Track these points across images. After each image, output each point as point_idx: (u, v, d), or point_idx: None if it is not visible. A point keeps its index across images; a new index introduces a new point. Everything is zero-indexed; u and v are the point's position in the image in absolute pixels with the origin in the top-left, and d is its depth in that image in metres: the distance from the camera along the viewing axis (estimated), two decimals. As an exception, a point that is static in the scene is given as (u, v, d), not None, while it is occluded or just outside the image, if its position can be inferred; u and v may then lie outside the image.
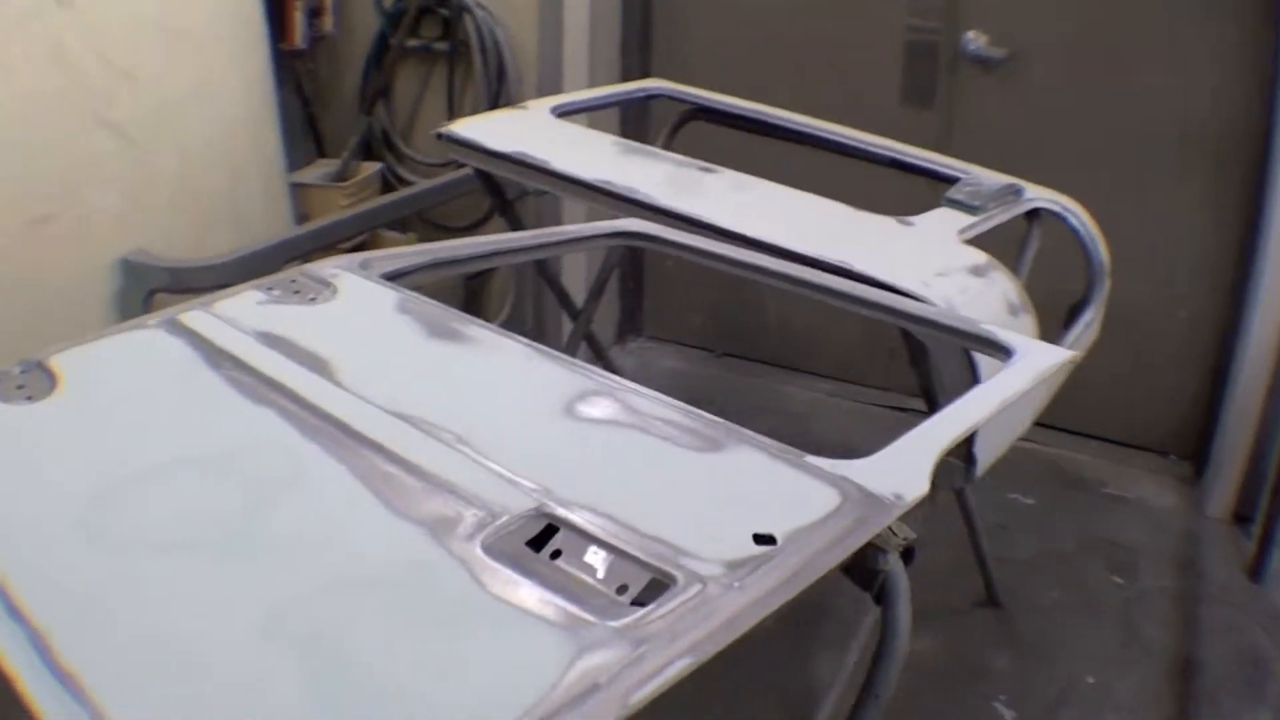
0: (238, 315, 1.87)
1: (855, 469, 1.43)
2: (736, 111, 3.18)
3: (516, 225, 3.25)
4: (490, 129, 2.92)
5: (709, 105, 3.24)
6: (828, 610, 2.91)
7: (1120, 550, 3.24)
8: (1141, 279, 3.48)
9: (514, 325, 4.18)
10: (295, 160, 4.22)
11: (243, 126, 3.54)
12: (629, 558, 1.25)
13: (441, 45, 4.23)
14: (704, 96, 3.26)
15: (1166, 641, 2.92)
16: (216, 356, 1.74)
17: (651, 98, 3.41)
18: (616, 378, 1.67)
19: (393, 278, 2.07)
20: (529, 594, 1.21)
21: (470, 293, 4.45)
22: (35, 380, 1.70)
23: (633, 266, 4.51)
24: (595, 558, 1.27)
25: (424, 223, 4.44)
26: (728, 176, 2.67)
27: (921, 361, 2.44)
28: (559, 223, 3.91)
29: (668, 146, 3.36)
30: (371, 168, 4.38)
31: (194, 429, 1.58)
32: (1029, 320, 2.28)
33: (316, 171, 4.32)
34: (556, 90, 3.99)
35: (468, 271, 3.06)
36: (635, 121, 4.16)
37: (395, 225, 4.31)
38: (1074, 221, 2.66)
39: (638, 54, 4.14)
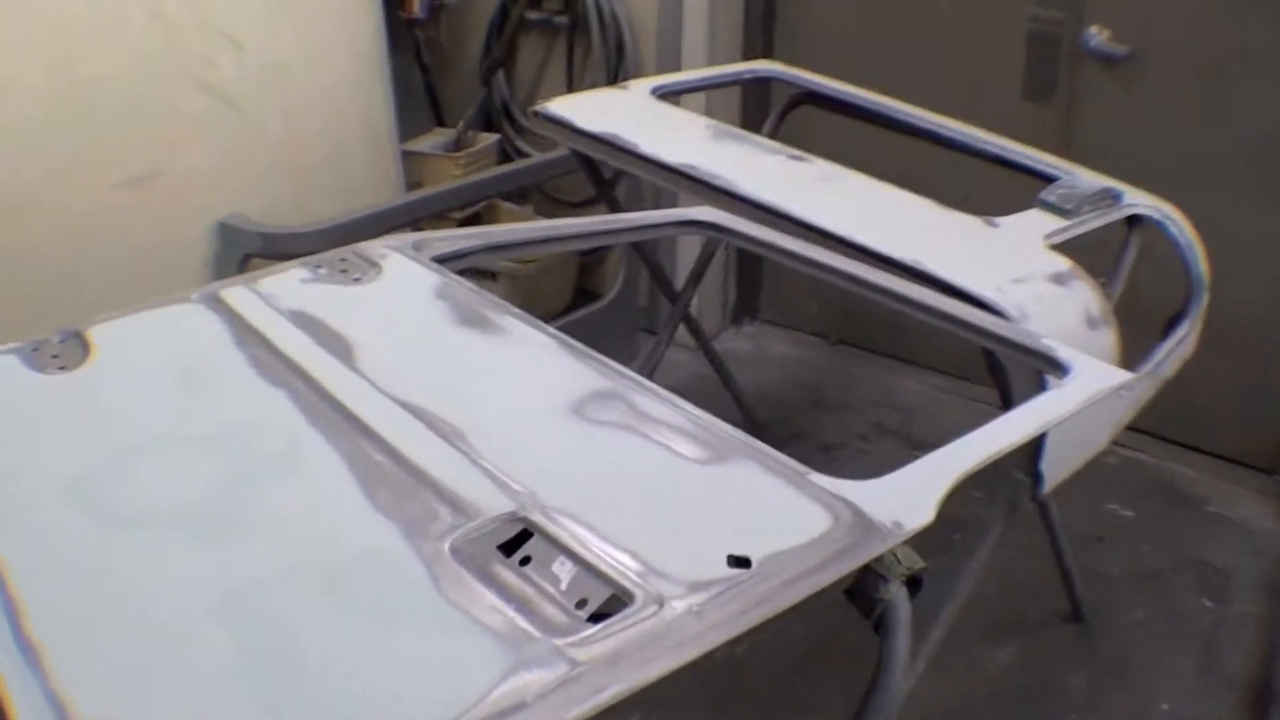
0: (277, 293, 1.88)
1: (859, 491, 1.36)
2: (846, 98, 3.07)
3: (615, 206, 3.21)
4: (584, 108, 2.87)
5: (819, 90, 3.14)
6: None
7: (1214, 572, 3.08)
8: (1262, 290, 3.29)
9: (624, 302, 4.15)
10: (413, 128, 4.24)
11: (349, 92, 3.54)
12: (593, 571, 1.21)
13: (562, 19, 4.17)
14: (814, 81, 3.15)
15: (1249, 672, 2.77)
16: (245, 335, 1.75)
17: (760, 80, 3.33)
18: (637, 378, 1.61)
19: (445, 260, 2.05)
20: (482, 601, 1.19)
21: (584, 268, 4.43)
22: (71, 350, 1.73)
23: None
24: (561, 569, 1.23)
25: (542, 196, 4.42)
26: (817, 166, 2.58)
27: (996, 369, 2.33)
28: (659, 205, 3.84)
29: (775, 131, 3.29)
30: (489, 139, 4.36)
31: (204, 407, 1.59)
32: (1108, 334, 2.16)
33: (432, 141, 4.31)
34: (675, 68, 3.93)
35: (522, 256, 3.01)
36: (757, 105, 4.05)
37: (514, 197, 4.28)
38: (1173, 230, 2.51)
39: (760, 35, 4.03)
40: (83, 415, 1.58)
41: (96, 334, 1.76)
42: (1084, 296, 2.17)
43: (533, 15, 4.24)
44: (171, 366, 1.68)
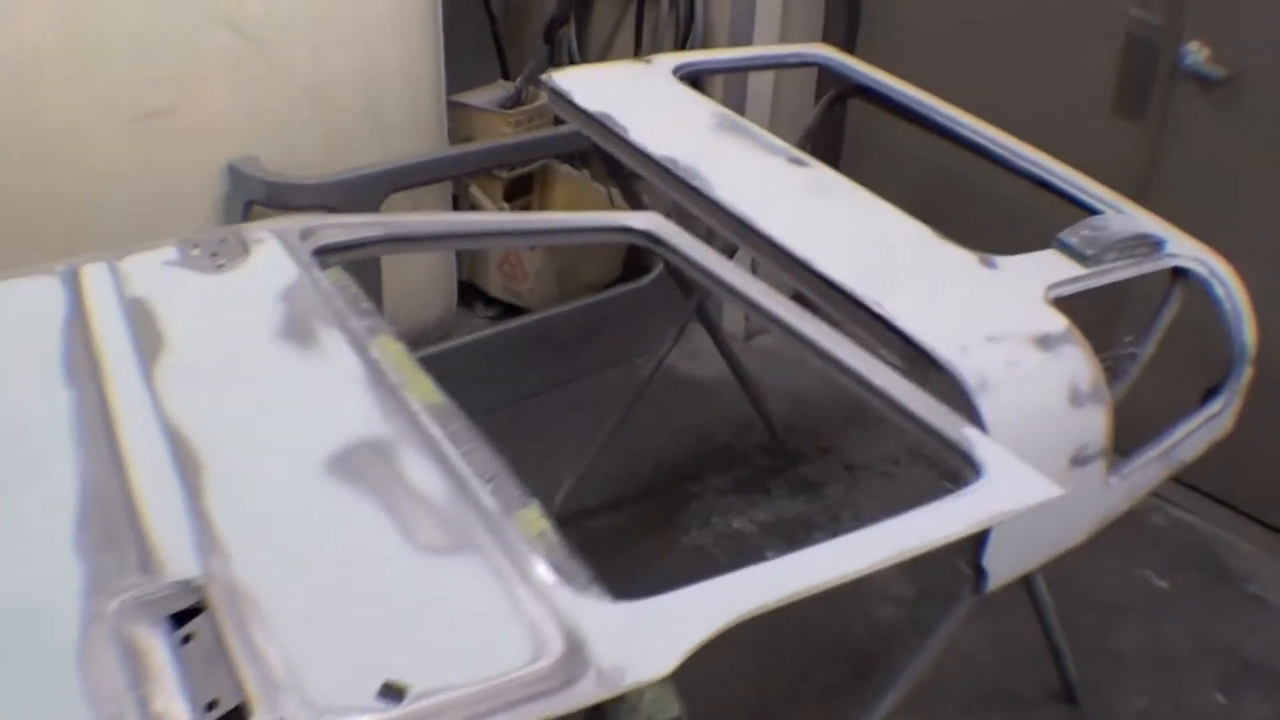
0: (133, 274, 1.74)
1: (603, 617, 1.15)
2: (892, 96, 2.79)
3: (631, 197, 2.98)
4: (592, 82, 2.66)
5: (866, 84, 2.87)
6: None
7: (1236, 663, 2.74)
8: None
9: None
10: (475, 79, 4.06)
11: (388, 35, 3.35)
12: (233, 669, 1.04)
13: (633, -23, 3.95)
14: (863, 72, 2.87)
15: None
16: (75, 322, 1.62)
17: (805, 64, 3.06)
18: (431, 426, 1.42)
19: (335, 249, 1.89)
20: (107, 685, 1.03)
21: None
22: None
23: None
24: (209, 660, 1.06)
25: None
26: (815, 174, 2.32)
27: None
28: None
29: (818, 123, 3.05)
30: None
31: None
32: (1095, 415, 1.86)
33: (490, 94, 4.09)
34: (747, 44, 3.68)
35: (426, 250, 2.83)
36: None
37: (571, 159, 4.07)
38: (1217, 291, 2.17)
39: (845, 16, 3.74)
40: None
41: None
42: (1072, 367, 1.86)
43: (604, -28, 4.02)
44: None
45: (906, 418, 1.63)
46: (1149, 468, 2.07)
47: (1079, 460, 1.86)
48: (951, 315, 1.90)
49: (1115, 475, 1.98)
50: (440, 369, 3.43)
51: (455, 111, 3.88)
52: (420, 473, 1.32)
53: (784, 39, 3.66)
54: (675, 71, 2.74)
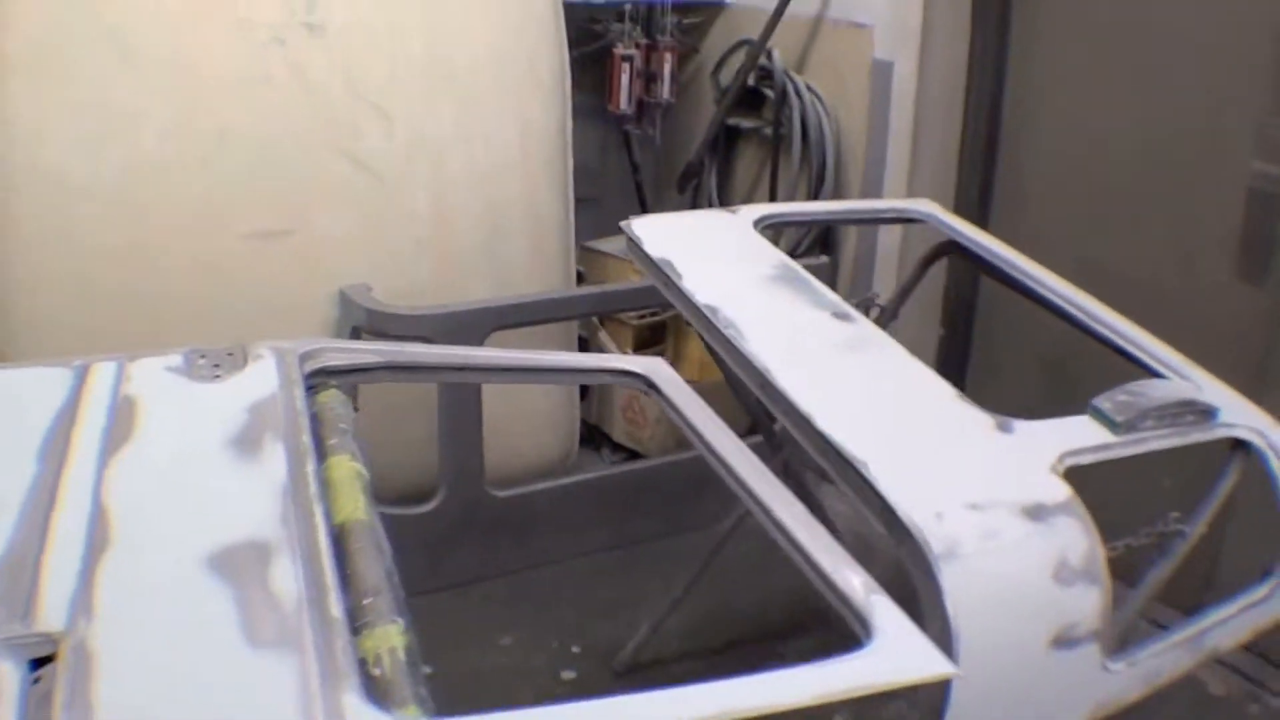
0: (135, 375, 1.85)
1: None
2: (982, 254, 2.75)
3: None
4: (668, 229, 2.69)
5: (961, 242, 2.83)
6: None
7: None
8: None
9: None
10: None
11: (513, 179, 3.48)
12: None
13: (769, 131, 3.99)
14: (962, 231, 2.83)
15: None
16: (69, 410, 1.73)
17: (909, 220, 3.03)
18: (327, 537, 1.45)
19: (334, 373, 1.95)
20: None
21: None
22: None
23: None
24: (44, 701, 1.17)
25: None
26: (857, 330, 2.28)
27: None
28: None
29: (917, 278, 3.01)
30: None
31: None
32: (1087, 594, 1.74)
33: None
34: (876, 194, 3.68)
35: (421, 380, 2.86)
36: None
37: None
38: (1273, 465, 2.03)
39: (979, 176, 3.70)
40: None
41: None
42: (1063, 540, 1.75)
43: (747, 124, 4.08)
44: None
45: (815, 573, 1.59)
46: (1170, 654, 1.91)
47: (1064, 642, 1.74)
48: (940, 480, 1.82)
49: (1120, 660, 1.84)
50: (552, 505, 3.53)
51: (589, 256, 3.98)
52: (283, 581, 1.34)
53: (910, 193, 3.64)
54: (758, 222, 2.74)
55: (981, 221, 3.46)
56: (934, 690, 1.68)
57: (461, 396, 3.22)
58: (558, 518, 3.57)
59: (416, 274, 3.37)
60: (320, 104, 3.13)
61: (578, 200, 3.74)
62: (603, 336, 4.00)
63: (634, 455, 4.11)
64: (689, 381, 2.16)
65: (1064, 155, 3.52)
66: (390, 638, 1.30)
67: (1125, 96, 3.31)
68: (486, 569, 3.42)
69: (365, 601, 1.36)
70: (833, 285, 2.57)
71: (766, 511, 1.70)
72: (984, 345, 3.75)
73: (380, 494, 1.70)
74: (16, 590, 1.32)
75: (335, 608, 1.30)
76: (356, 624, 1.32)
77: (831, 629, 3.23)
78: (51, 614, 1.28)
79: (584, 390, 3.97)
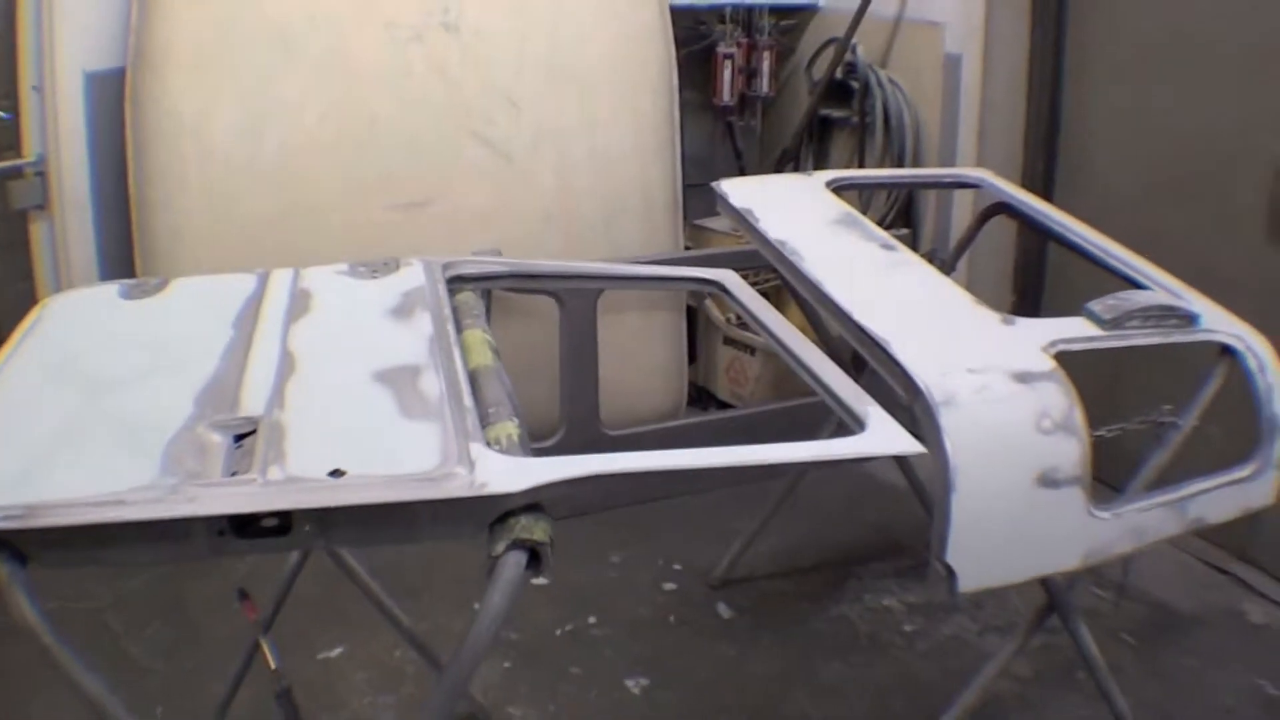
0: (309, 276, 2.33)
1: (500, 461, 1.60)
2: (1029, 213, 3.14)
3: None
4: (752, 188, 3.15)
5: (1010, 203, 3.23)
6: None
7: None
8: None
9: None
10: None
11: (626, 161, 3.98)
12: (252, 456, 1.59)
13: (855, 119, 4.44)
14: (1009, 193, 3.24)
15: None
16: (256, 296, 2.22)
17: (961, 185, 3.45)
18: (464, 370, 1.92)
19: (467, 280, 2.43)
20: (183, 454, 1.59)
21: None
22: (154, 289, 2.30)
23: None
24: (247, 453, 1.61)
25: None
26: (895, 256, 2.71)
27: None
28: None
29: (974, 230, 3.41)
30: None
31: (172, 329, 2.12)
32: (1066, 443, 2.13)
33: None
34: (951, 174, 4.09)
35: (544, 290, 3.29)
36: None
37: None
38: (1250, 363, 2.38)
39: (1043, 153, 4.10)
40: (115, 326, 2.14)
41: (177, 284, 2.31)
42: (1045, 399, 2.16)
43: (837, 114, 4.53)
44: (182, 309, 2.20)
45: (823, 390, 1.98)
46: (1154, 513, 2.27)
47: (1048, 482, 2.12)
48: (947, 353, 2.24)
49: (1106, 510, 2.22)
50: (660, 444, 3.91)
51: (696, 233, 4.46)
52: (430, 386, 1.82)
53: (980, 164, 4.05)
54: (829, 184, 3.19)
55: (1045, 197, 3.84)
56: (941, 520, 2.11)
57: (580, 343, 3.69)
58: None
59: (542, 241, 3.87)
60: (456, 94, 3.66)
61: (689, 186, 4.22)
62: (708, 303, 4.48)
63: (736, 412, 4.56)
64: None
65: (1118, 138, 3.89)
66: (508, 429, 1.74)
67: (1170, 87, 3.70)
68: (594, 502, 3.86)
69: (490, 410, 1.81)
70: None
71: (805, 366, 2.09)
72: (1052, 309, 4.12)
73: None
74: (222, 396, 1.76)
75: (467, 399, 1.77)
76: (484, 421, 1.78)
77: (906, 556, 3.68)
78: (250, 407, 1.72)
79: (691, 353, 4.42)
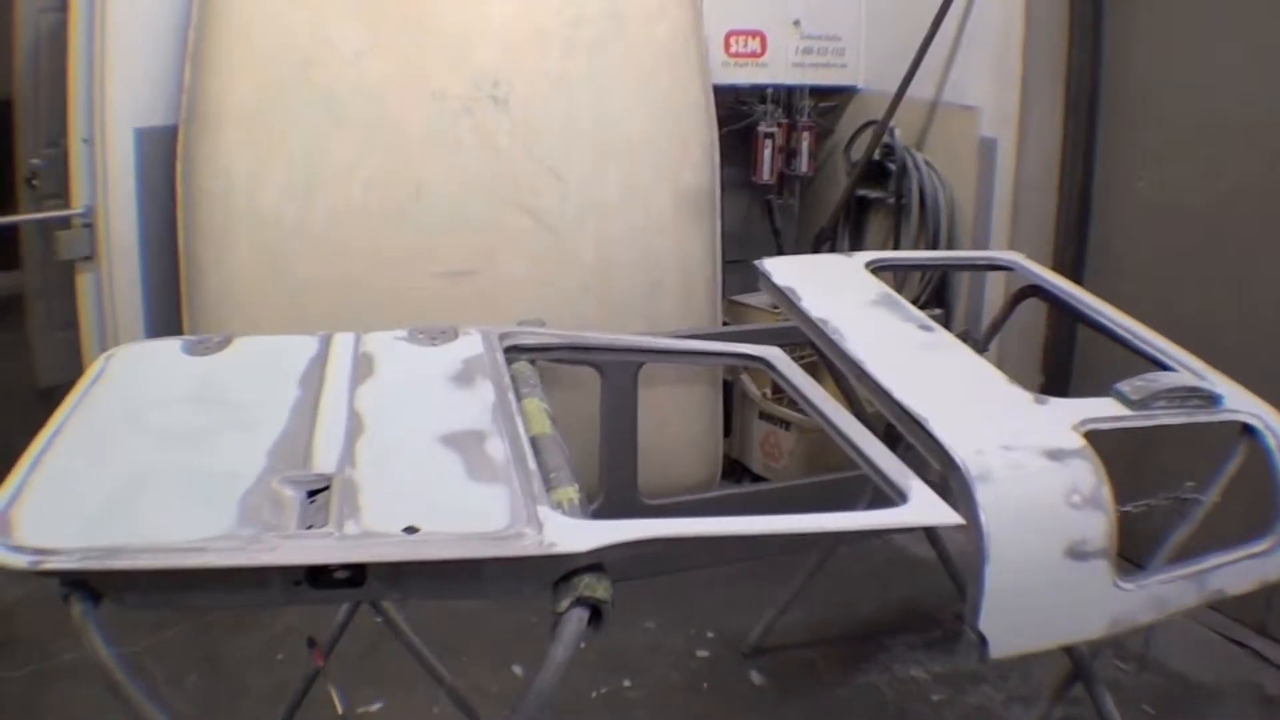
0: (369, 341, 2.44)
1: (566, 523, 1.70)
2: (1060, 295, 3.23)
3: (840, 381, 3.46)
4: (794, 266, 3.24)
5: (1043, 286, 3.31)
6: None
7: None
8: None
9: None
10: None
11: (666, 235, 4.08)
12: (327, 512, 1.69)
13: (891, 199, 4.55)
14: (1041, 276, 3.32)
15: None
16: (319, 358, 2.33)
17: (994, 267, 3.54)
18: (526, 437, 2.02)
19: (523, 350, 2.53)
20: (258, 508, 1.69)
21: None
22: (216, 347, 2.40)
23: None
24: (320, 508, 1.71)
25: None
26: (933, 337, 2.79)
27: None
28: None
29: (1004, 318, 3.49)
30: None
31: (236, 388, 2.21)
32: (1094, 518, 2.22)
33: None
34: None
35: (592, 361, 3.39)
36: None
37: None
38: (1269, 441, 2.46)
39: (1075, 236, 4.20)
40: (179, 377, 2.24)
41: (240, 342, 2.42)
42: (1075, 476, 2.24)
43: (873, 194, 4.65)
44: (247, 367, 2.30)
45: (867, 464, 2.07)
46: (1175, 585, 2.35)
47: (1076, 554, 2.20)
48: (983, 431, 2.33)
49: (1131, 582, 2.30)
50: (696, 515, 4.00)
51: (735, 309, 4.57)
52: (495, 450, 1.92)
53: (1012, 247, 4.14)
54: (869, 264, 3.28)
55: (1076, 280, 3.93)
56: (975, 588, 2.19)
57: (621, 413, 3.78)
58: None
59: (580, 315, 3.96)
60: (503, 165, 3.78)
61: (728, 262, 4.32)
62: (744, 377, 4.57)
63: (770, 486, 4.64)
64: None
65: (1147, 225, 4.00)
66: (569, 493, 1.85)
67: (1196, 178, 3.81)
68: (638, 567, 3.94)
69: (551, 474, 1.91)
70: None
71: (849, 441, 2.18)
72: (1080, 390, 4.20)
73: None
74: (294, 452, 1.86)
75: (531, 463, 1.87)
76: (546, 485, 1.87)
77: (933, 627, 3.74)
78: (322, 464, 1.82)
79: (727, 427, 4.51)
